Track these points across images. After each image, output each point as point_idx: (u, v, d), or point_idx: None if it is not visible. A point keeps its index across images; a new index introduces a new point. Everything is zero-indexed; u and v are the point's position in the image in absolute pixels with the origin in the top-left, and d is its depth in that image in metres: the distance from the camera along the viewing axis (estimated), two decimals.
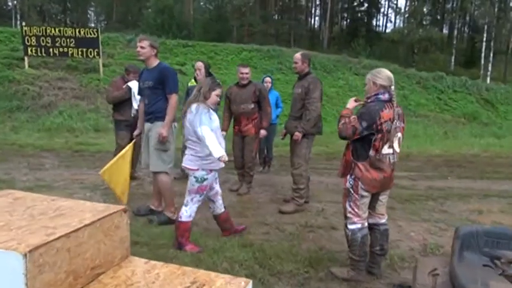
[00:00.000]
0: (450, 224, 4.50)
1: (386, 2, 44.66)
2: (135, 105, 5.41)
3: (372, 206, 3.12)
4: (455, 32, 34.63)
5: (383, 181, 2.98)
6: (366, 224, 3.08)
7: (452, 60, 30.01)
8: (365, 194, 2.98)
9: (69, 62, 13.41)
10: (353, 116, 2.93)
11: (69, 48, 12.53)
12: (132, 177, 5.10)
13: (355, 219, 3.02)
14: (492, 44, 28.03)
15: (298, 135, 4.49)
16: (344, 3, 41.75)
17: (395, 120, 2.93)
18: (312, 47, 24.52)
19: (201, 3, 40.68)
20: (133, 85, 5.37)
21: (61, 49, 12.50)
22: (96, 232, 1.90)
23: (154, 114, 4.06)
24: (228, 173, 6.21)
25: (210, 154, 3.20)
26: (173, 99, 4.04)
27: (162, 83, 4.01)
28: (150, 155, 4.08)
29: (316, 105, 4.46)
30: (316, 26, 44.31)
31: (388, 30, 43.33)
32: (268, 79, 6.61)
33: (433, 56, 31.57)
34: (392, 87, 3.01)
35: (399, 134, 3.01)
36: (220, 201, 3.72)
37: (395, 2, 45.10)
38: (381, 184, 2.99)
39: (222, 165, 3.33)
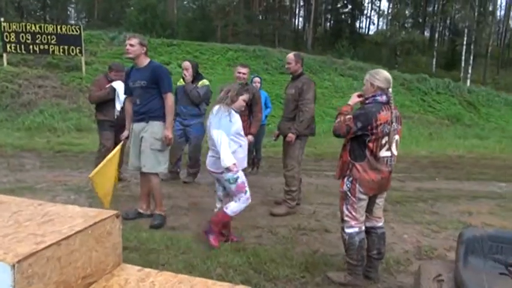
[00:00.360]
0: (442, 226, 4.51)
1: (369, 5, 45.18)
2: (118, 106, 5.21)
3: (368, 209, 3.07)
4: (437, 35, 35.24)
5: (380, 182, 2.93)
6: (363, 228, 3.03)
7: (434, 62, 30.49)
8: (363, 196, 2.93)
9: (49, 60, 13.07)
10: (349, 116, 2.87)
11: (50, 46, 12.19)
12: (118, 179, 4.94)
13: (353, 222, 2.96)
14: (472, 47, 28.55)
15: (291, 136, 4.40)
16: (328, 5, 42.02)
17: (393, 123, 2.89)
18: (296, 48, 24.48)
19: (185, 2, 40.38)
20: (118, 85, 5.17)
21: (42, 46, 12.15)
22: (88, 239, 1.80)
23: (148, 114, 3.93)
24: None
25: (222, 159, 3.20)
26: (170, 98, 3.94)
27: (156, 82, 3.88)
28: (146, 156, 3.95)
29: (310, 107, 4.39)
30: (300, 27, 44.47)
31: (371, 33, 43.81)
32: (257, 79, 6.52)
33: (415, 58, 32.01)
34: (390, 89, 2.97)
35: (397, 137, 2.97)
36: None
37: (378, 5, 45.70)
38: (379, 185, 2.94)
39: (245, 165, 3.42)
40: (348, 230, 2.98)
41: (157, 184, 4.10)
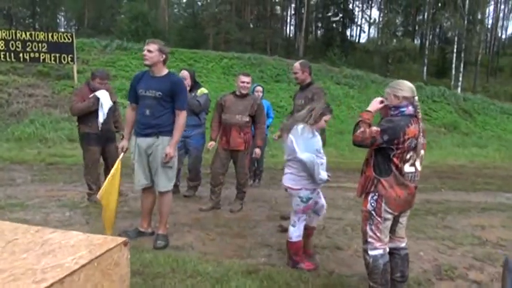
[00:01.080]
0: (457, 241, 4.33)
1: (360, 13, 45.52)
2: (100, 118, 4.87)
3: (391, 229, 2.87)
4: (427, 43, 35.49)
5: (407, 199, 2.75)
6: (388, 250, 2.82)
7: (425, 70, 30.66)
8: (388, 216, 2.73)
9: (40, 68, 12.79)
10: (375, 128, 2.66)
11: (41, 54, 11.92)
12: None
13: (377, 244, 2.75)
14: (462, 55, 28.78)
15: None
16: (318, 13, 42.23)
17: (419, 137, 2.70)
18: (287, 56, 24.43)
19: (176, 10, 40.33)
20: (101, 95, 4.85)
21: (32, 54, 11.88)
22: (93, 273, 1.58)
23: (159, 128, 3.65)
24: (227, 189, 5.80)
25: (314, 178, 3.23)
26: (183, 117, 3.70)
27: (172, 95, 3.64)
28: (159, 174, 3.71)
29: None
30: (291, 35, 44.58)
31: (361, 41, 44.07)
32: (259, 88, 6.32)
33: (406, 66, 32.17)
34: (416, 97, 2.80)
35: (422, 152, 2.79)
36: (321, 216, 3.68)
37: (368, 13, 46.04)
38: (405, 202, 2.76)
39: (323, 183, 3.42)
40: (371, 253, 2.76)
41: (169, 203, 3.89)
